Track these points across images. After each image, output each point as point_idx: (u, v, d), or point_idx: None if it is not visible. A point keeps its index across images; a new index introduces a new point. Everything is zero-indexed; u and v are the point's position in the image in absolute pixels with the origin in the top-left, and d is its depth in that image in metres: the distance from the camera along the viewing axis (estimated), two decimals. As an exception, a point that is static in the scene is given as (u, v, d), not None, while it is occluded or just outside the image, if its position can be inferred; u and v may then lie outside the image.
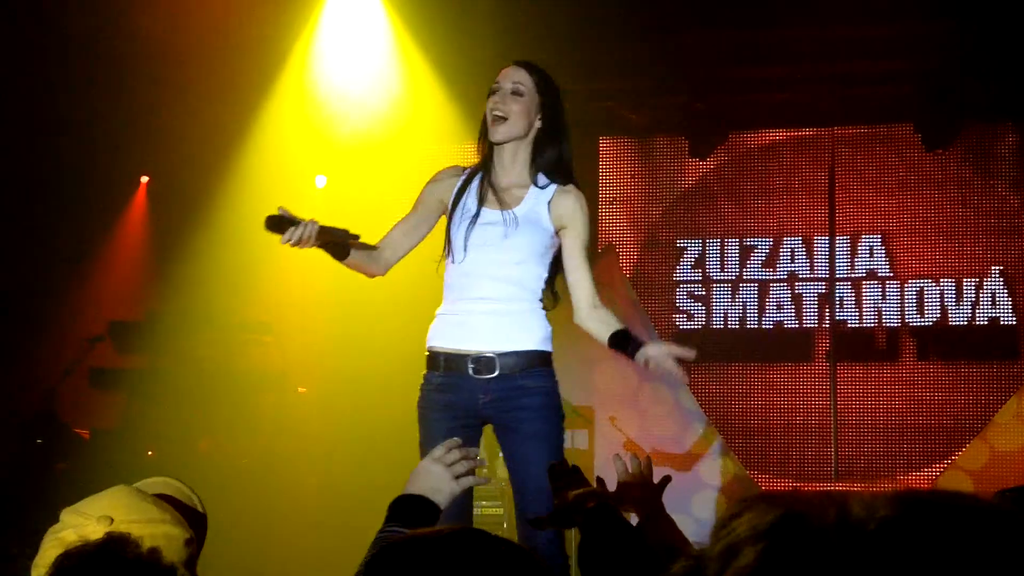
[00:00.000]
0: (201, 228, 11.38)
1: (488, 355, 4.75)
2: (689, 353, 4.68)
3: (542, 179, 4.84)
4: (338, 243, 4.74)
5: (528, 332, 4.78)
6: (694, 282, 11.73)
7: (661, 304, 11.76)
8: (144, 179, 12.40)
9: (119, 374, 10.65)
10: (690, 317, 11.72)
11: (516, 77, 4.85)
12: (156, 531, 2.73)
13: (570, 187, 4.85)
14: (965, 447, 10.91)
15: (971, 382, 11.07)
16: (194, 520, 3.01)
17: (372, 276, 5.09)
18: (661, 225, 11.86)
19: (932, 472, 10.91)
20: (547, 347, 4.83)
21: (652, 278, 11.83)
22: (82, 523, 2.77)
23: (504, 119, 4.81)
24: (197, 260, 11.23)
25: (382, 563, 1.97)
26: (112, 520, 2.75)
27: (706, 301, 11.69)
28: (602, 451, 10.93)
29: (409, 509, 3.14)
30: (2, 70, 10.38)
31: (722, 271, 11.67)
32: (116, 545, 2.28)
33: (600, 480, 3.55)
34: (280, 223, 4.61)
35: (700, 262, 11.72)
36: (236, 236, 11.25)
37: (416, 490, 3.18)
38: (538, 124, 4.86)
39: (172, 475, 3.17)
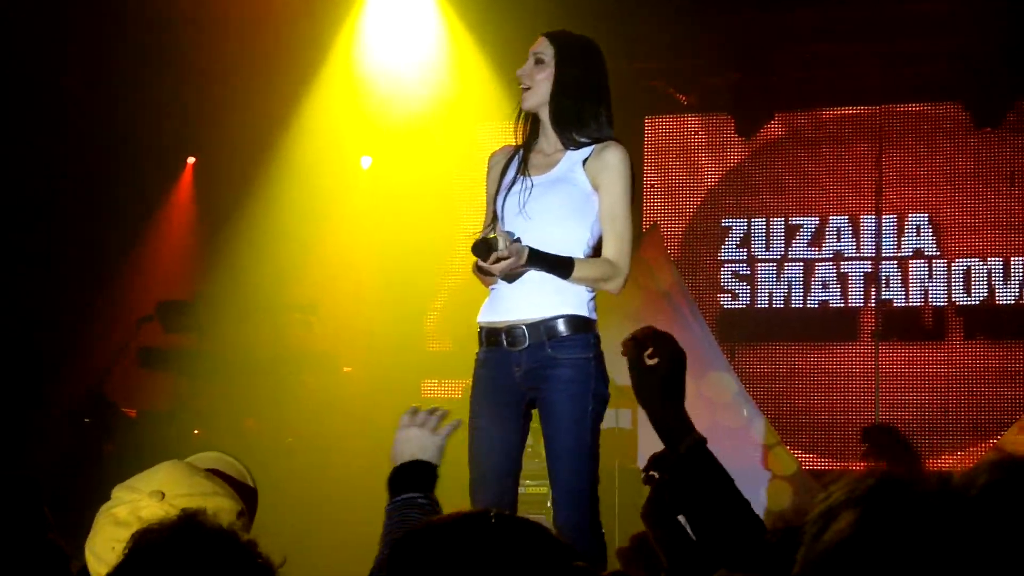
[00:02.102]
0: (248, 209, 11.42)
1: (519, 327, 4.64)
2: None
3: (574, 139, 4.76)
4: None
5: (557, 296, 4.61)
6: (739, 261, 11.70)
7: (706, 283, 11.73)
8: (191, 160, 12.45)
9: (167, 354, 10.72)
10: (735, 296, 11.69)
11: (538, 48, 4.82)
12: (207, 504, 2.74)
13: (608, 144, 4.73)
14: (1011, 426, 10.83)
15: (1019, 361, 10.99)
16: (245, 494, 3.03)
17: (489, 286, 4.87)
18: (706, 204, 11.83)
19: (978, 451, 10.85)
20: (582, 311, 4.63)
21: (697, 257, 11.80)
22: (134, 499, 2.79)
23: (527, 88, 4.81)
24: (244, 241, 11.28)
25: (405, 550, 1.97)
26: (163, 495, 2.77)
27: (751, 280, 11.66)
28: (646, 431, 10.90)
29: (409, 475, 3.11)
30: (49, 55, 10.45)
31: (767, 250, 11.63)
32: (193, 522, 2.29)
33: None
34: (485, 248, 4.48)
35: (745, 241, 11.68)
36: (282, 216, 11.30)
37: (405, 458, 3.15)
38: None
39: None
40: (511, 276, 4.60)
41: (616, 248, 4.68)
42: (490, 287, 4.79)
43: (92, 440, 9.68)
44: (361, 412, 10.73)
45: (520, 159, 4.85)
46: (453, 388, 11.40)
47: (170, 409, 10.42)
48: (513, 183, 4.79)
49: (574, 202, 4.70)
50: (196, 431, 10.08)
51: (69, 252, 11.13)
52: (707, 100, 11.66)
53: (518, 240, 4.53)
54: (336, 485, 10.01)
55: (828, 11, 10.51)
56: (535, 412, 4.79)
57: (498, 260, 4.44)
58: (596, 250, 4.74)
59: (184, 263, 12.15)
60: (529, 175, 4.77)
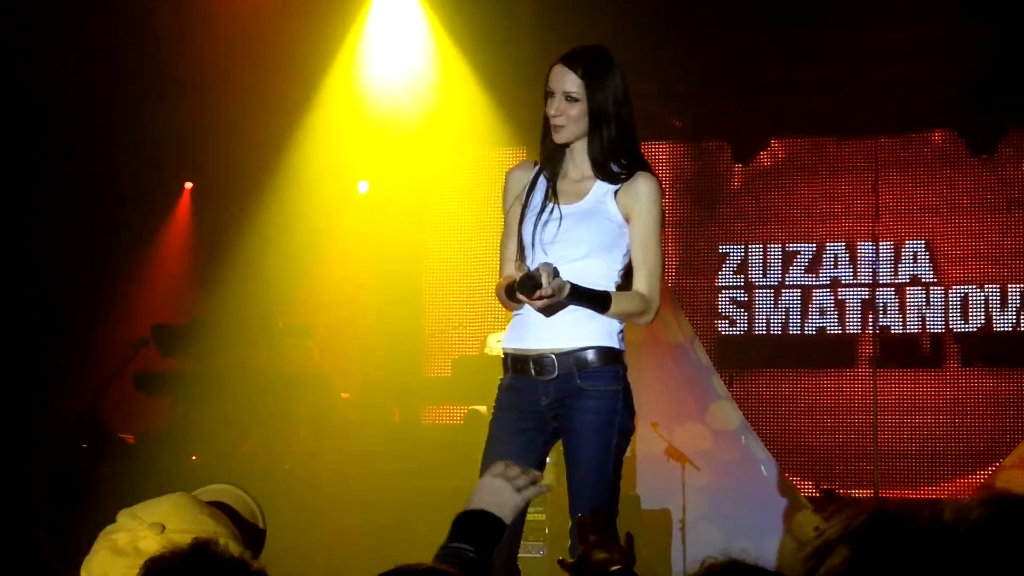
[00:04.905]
0: (244, 233, 11.43)
1: (548, 356, 4.59)
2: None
3: (606, 169, 4.66)
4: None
5: (588, 326, 4.56)
6: (736, 288, 11.70)
7: (703, 310, 11.74)
8: (188, 185, 12.47)
9: (163, 378, 10.70)
10: (732, 323, 11.69)
11: (564, 84, 4.67)
12: None
13: (639, 174, 4.64)
14: (1008, 454, 10.82)
15: (1016, 388, 10.99)
16: (251, 536, 3.01)
17: (514, 311, 4.79)
18: (703, 230, 11.84)
19: (975, 478, 10.84)
20: (611, 343, 4.59)
21: (694, 284, 11.81)
22: (135, 528, 2.78)
23: (563, 126, 4.67)
24: (240, 265, 11.28)
25: None
26: (164, 527, 2.77)
27: (748, 307, 11.66)
28: (644, 457, 10.90)
29: (474, 525, 3.09)
30: (48, 78, 10.46)
31: (765, 277, 11.64)
32: (206, 550, 2.30)
33: (629, 536, 3.48)
34: (533, 285, 4.35)
35: (742, 268, 11.69)
36: (279, 241, 11.31)
37: (480, 505, 3.11)
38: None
39: (214, 478, 3.17)
40: (550, 310, 4.54)
41: (648, 282, 4.63)
42: (514, 312, 4.74)
43: (87, 464, 9.66)
44: (358, 438, 10.72)
45: (547, 184, 4.74)
46: (453, 414, 11.39)
47: (166, 433, 10.40)
48: (541, 210, 4.69)
49: (607, 235, 4.63)
50: (193, 456, 10.06)
51: (67, 275, 11.13)
52: (703, 126, 11.68)
53: (556, 272, 4.42)
54: (333, 510, 9.99)
55: (824, 38, 10.54)
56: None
57: (541, 296, 4.36)
58: (624, 279, 4.68)
59: (181, 287, 12.16)
60: (558, 203, 4.68)
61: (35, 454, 9.92)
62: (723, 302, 11.73)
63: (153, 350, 10.65)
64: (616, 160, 4.69)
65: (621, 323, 4.65)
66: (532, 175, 4.81)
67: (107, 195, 11.21)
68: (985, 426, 10.99)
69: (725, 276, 11.74)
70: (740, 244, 11.73)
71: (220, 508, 2.96)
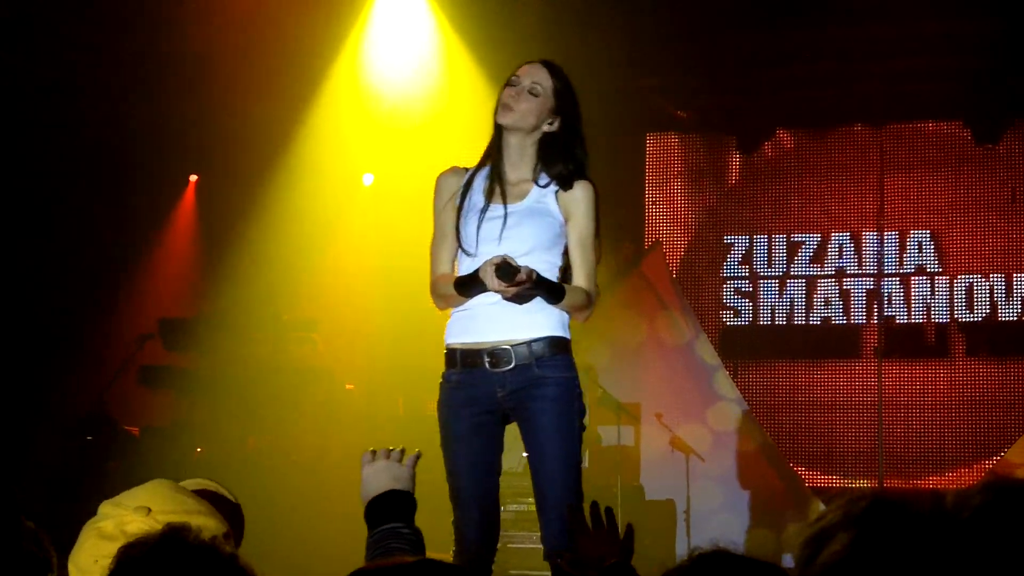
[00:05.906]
0: (249, 227, 11.43)
1: (503, 347, 4.71)
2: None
3: (555, 169, 4.80)
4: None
5: (541, 317, 4.68)
6: (741, 278, 11.69)
7: (708, 300, 11.73)
8: (193, 178, 12.47)
9: (168, 372, 10.70)
10: (737, 313, 11.68)
11: (536, 77, 4.84)
12: (192, 522, 2.76)
13: (578, 181, 4.80)
14: (1014, 443, 10.82)
15: (1021, 377, 10.98)
16: (231, 514, 3.04)
17: (457, 307, 4.93)
18: (708, 221, 11.83)
19: (981, 468, 10.83)
20: (563, 332, 4.74)
21: (699, 274, 11.80)
22: (120, 514, 2.80)
23: (512, 109, 4.83)
24: (245, 258, 11.28)
25: None
26: (149, 510, 2.78)
27: (753, 297, 11.66)
28: (648, 448, 10.91)
29: (389, 505, 3.13)
30: (52, 74, 10.47)
31: (769, 267, 11.63)
32: (177, 535, 2.31)
33: (629, 528, 3.46)
34: (512, 271, 4.48)
35: (747, 258, 11.68)
36: (284, 234, 11.31)
37: (381, 489, 3.18)
38: (547, 128, 4.83)
39: (220, 471, 3.21)
40: (521, 298, 4.63)
41: (588, 279, 4.77)
42: (455, 309, 4.85)
43: (94, 458, 9.67)
44: (364, 429, 10.72)
45: (485, 183, 4.85)
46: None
47: (172, 427, 10.41)
48: (484, 209, 4.79)
49: (550, 233, 4.75)
50: (199, 449, 10.07)
51: (71, 269, 11.14)
52: (708, 117, 11.68)
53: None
54: (339, 502, 10.00)
55: (829, 30, 10.53)
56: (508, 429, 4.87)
57: (520, 282, 4.48)
58: (565, 271, 4.80)
59: (186, 281, 12.16)
60: (500, 202, 4.79)
61: (41, 448, 9.93)
62: (728, 292, 11.72)
63: (158, 344, 10.66)
64: (565, 165, 4.81)
65: (565, 314, 4.76)
66: (465, 179, 4.94)
67: (112, 189, 11.21)
68: (990, 415, 10.98)
69: (730, 266, 11.73)
70: (745, 235, 11.72)
71: (198, 494, 3.00)
